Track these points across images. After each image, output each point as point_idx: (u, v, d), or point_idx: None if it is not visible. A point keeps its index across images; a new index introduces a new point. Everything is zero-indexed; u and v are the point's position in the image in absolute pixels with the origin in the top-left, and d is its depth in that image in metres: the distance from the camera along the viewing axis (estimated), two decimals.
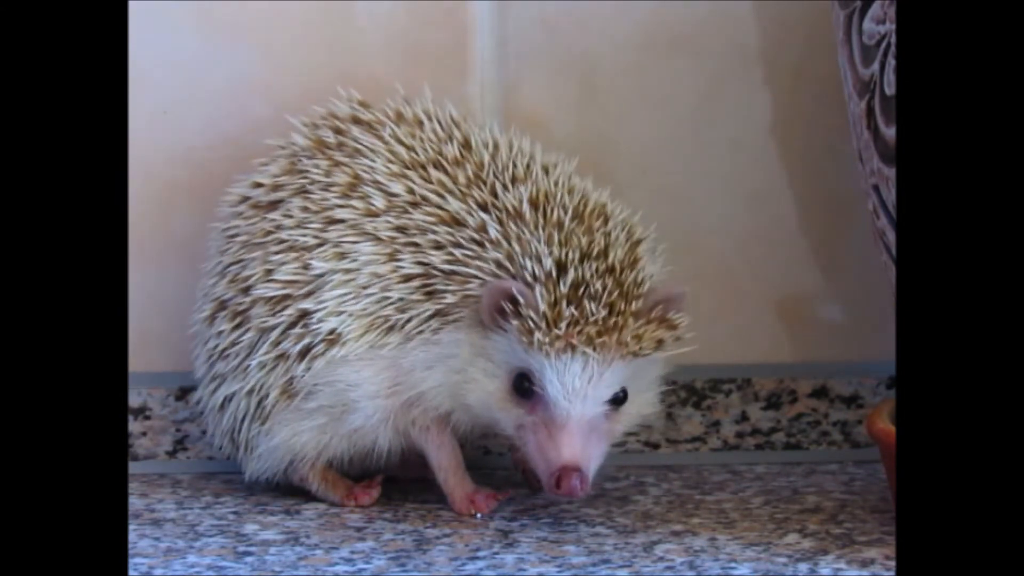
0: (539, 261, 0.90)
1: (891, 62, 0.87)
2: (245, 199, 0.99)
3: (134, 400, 1.05)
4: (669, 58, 1.06)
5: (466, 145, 0.96)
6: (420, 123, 0.97)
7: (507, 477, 1.02)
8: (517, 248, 0.91)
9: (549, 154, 0.97)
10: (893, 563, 0.84)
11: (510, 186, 0.94)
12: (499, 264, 0.91)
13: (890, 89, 0.87)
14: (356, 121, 0.98)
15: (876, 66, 0.88)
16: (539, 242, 0.91)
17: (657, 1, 1.05)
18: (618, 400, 0.92)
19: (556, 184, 0.94)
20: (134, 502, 0.99)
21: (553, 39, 1.06)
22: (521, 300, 0.90)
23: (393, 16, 1.05)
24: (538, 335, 0.89)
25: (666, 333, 0.92)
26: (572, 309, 0.89)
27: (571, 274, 0.90)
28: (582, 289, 0.90)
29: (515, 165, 0.95)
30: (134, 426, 1.06)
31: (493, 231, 0.92)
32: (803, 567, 0.84)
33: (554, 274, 0.90)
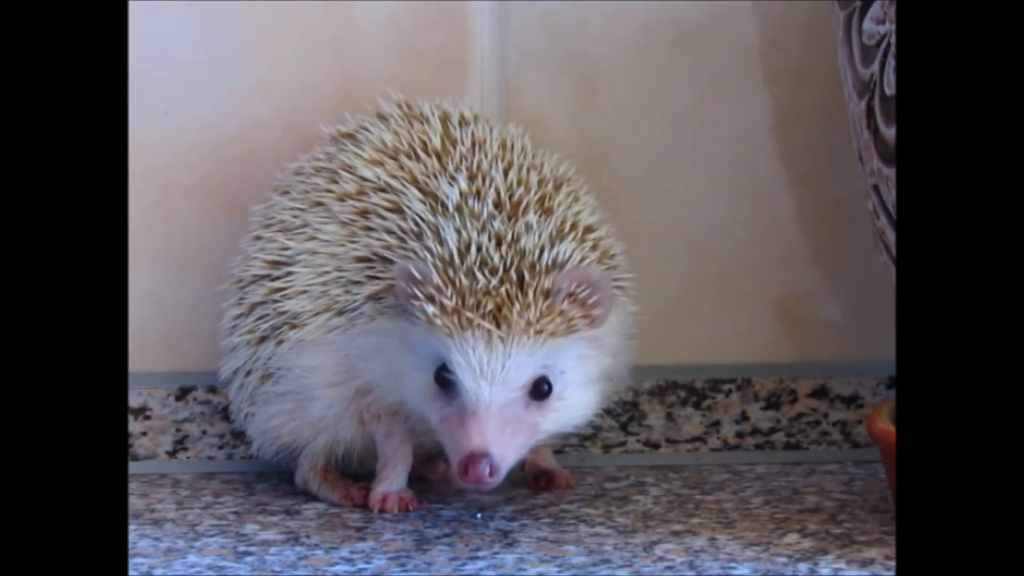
0: (441, 242, 0.88)
1: (891, 62, 0.87)
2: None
3: (134, 400, 1.05)
4: (669, 58, 1.06)
5: (450, 138, 0.95)
6: (427, 119, 0.97)
7: (508, 476, 1.01)
8: (429, 234, 0.89)
9: (556, 160, 0.97)
10: (893, 563, 0.84)
11: (465, 180, 0.92)
12: (416, 252, 0.89)
13: (890, 89, 0.87)
14: (380, 116, 0.98)
15: (876, 66, 0.88)
16: (451, 228, 0.89)
17: (657, 1, 1.05)
18: (541, 391, 0.89)
19: (519, 183, 0.92)
20: (134, 502, 0.99)
21: (553, 39, 1.06)
22: (418, 276, 0.88)
23: (393, 16, 1.05)
24: (432, 309, 0.87)
25: (578, 313, 0.88)
26: (460, 276, 0.87)
27: (465, 245, 0.87)
28: (473, 259, 0.87)
29: (491, 161, 0.93)
30: (134, 426, 1.06)
31: (423, 222, 0.90)
32: (803, 567, 0.84)
33: (451, 247, 0.88)
